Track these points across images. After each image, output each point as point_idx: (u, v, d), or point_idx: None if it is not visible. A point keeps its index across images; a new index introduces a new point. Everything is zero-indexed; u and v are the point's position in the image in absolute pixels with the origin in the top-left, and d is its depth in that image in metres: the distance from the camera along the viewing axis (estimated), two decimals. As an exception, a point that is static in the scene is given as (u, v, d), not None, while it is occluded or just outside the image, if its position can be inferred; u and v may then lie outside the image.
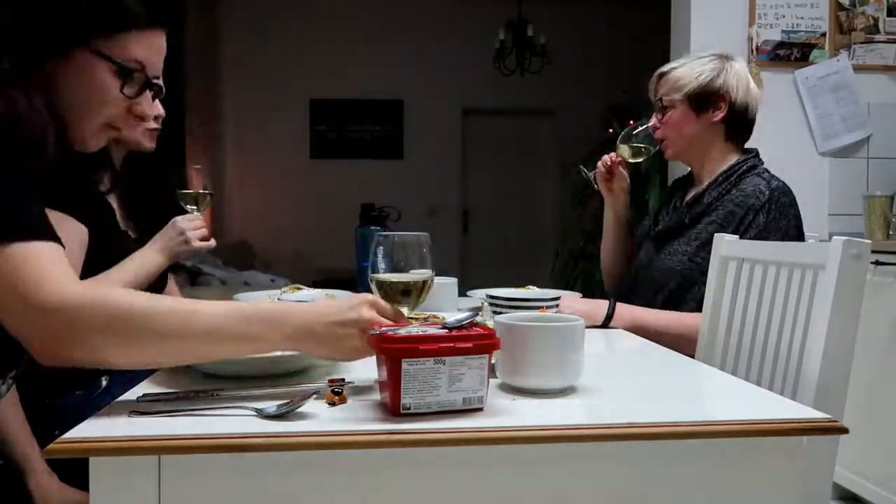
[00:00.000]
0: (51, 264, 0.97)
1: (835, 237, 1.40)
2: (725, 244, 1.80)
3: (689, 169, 2.21)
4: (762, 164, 2.08)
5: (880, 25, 3.54)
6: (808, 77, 3.51)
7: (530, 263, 5.26)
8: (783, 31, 3.49)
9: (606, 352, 1.50)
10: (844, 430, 0.94)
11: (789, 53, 3.50)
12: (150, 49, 1.15)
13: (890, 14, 3.54)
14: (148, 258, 1.70)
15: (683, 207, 2.11)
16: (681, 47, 3.58)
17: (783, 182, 2.00)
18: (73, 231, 1.53)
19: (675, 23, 3.68)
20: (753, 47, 3.48)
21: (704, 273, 1.89)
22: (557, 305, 1.90)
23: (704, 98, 2.03)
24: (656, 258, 2.07)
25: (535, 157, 8.59)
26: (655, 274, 2.04)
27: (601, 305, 1.89)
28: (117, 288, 1.02)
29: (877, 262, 2.77)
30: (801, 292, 1.51)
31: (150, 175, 1.91)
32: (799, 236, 1.95)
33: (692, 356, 1.81)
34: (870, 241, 1.39)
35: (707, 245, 1.94)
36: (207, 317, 1.01)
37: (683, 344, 1.81)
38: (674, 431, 0.92)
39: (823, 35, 3.52)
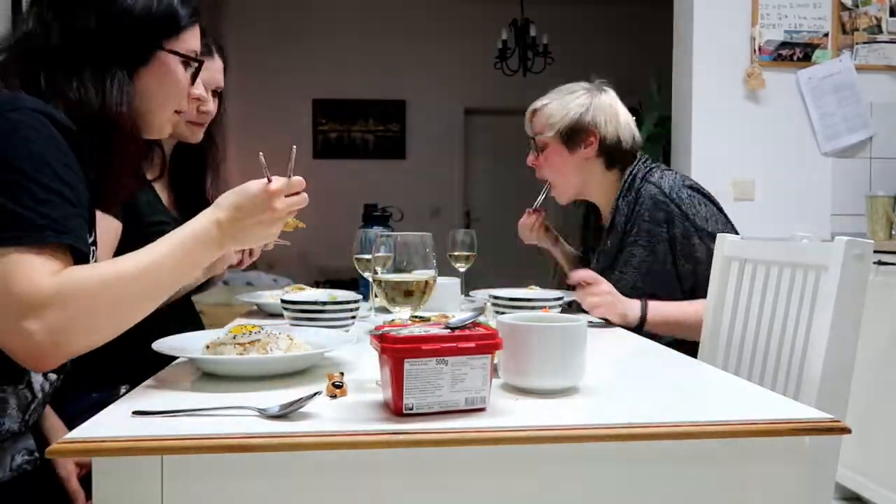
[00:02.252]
0: (17, 267, 1.01)
1: (837, 237, 1.40)
2: (728, 244, 1.80)
3: None
4: (647, 164, 2.07)
5: (883, 25, 3.53)
6: (811, 77, 3.51)
7: (533, 263, 5.24)
8: (786, 31, 3.49)
9: (608, 352, 1.50)
10: (847, 431, 0.94)
11: (792, 53, 3.50)
12: (196, 38, 1.37)
13: (892, 14, 3.53)
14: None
15: (604, 238, 2.11)
16: (684, 48, 3.58)
17: (672, 175, 2.01)
18: (105, 227, 1.57)
19: (677, 23, 3.68)
20: (756, 47, 3.48)
21: (655, 294, 1.90)
22: (560, 306, 1.90)
23: (574, 134, 2.04)
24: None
25: (538, 158, 8.59)
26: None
27: (633, 308, 1.85)
28: (81, 267, 1.08)
29: (879, 263, 2.77)
30: (804, 292, 1.51)
31: (196, 164, 2.02)
32: (719, 209, 1.98)
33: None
34: (872, 242, 1.39)
35: (647, 270, 1.97)
36: (164, 258, 1.14)
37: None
38: (676, 432, 0.92)
39: (826, 35, 3.51)
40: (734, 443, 0.95)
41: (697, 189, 1.99)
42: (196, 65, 1.35)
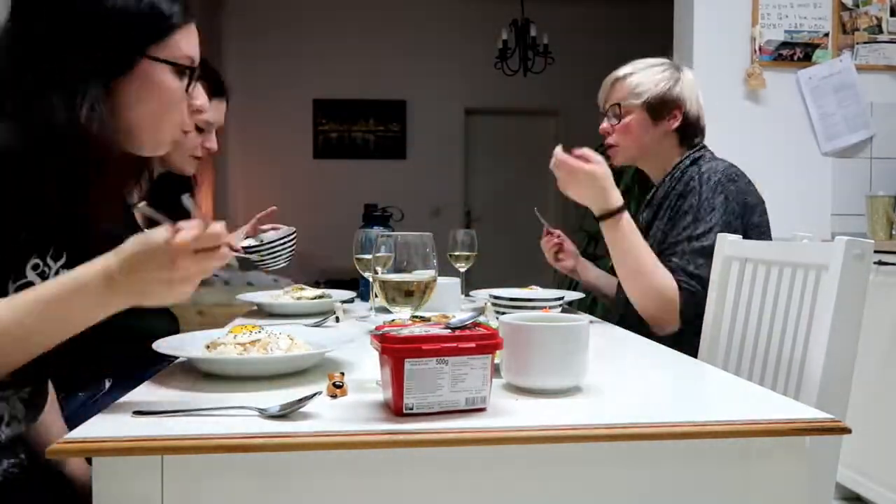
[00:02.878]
0: None
1: (838, 237, 1.40)
2: (728, 244, 1.80)
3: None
4: (706, 151, 2.09)
5: (883, 25, 3.53)
6: (811, 77, 3.51)
7: (533, 263, 5.24)
8: (786, 31, 3.49)
9: (608, 351, 1.50)
10: (847, 430, 0.94)
11: (792, 53, 3.50)
12: (191, 42, 1.21)
13: (893, 14, 3.53)
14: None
15: (641, 210, 2.14)
16: (684, 48, 3.58)
17: (719, 162, 2.01)
18: None
19: (678, 23, 3.68)
20: (756, 47, 3.47)
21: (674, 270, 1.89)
22: (561, 306, 1.89)
23: (661, 106, 2.05)
24: None
25: (538, 158, 8.53)
26: None
27: (615, 198, 1.85)
28: None
29: (880, 262, 2.76)
30: (804, 292, 1.51)
31: (179, 189, 1.96)
32: (745, 209, 1.93)
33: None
34: (873, 241, 1.39)
35: (663, 242, 1.95)
36: (28, 313, 0.99)
37: (638, 282, 1.84)
38: (676, 432, 0.92)
39: (826, 35, 3.51)
40: (734, 443, 0.95)
41: (733, 181, 1.94)
42: (193, 71, 1.21)
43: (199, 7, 7.02)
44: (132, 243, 0.99)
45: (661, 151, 2.10)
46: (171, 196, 1.88)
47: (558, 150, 1.88)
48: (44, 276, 1.13)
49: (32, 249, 1.11)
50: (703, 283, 1.85)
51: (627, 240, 1.85)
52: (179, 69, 1.18)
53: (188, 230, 0.98)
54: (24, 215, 1.06)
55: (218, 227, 0.99)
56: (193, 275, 1.00)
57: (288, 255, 2.07)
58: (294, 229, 2.13)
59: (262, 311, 2.01)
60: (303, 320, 1.76)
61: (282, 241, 2.07)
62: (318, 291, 2.07)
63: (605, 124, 2.13)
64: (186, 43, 1.19)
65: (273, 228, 2.16)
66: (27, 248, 1.11)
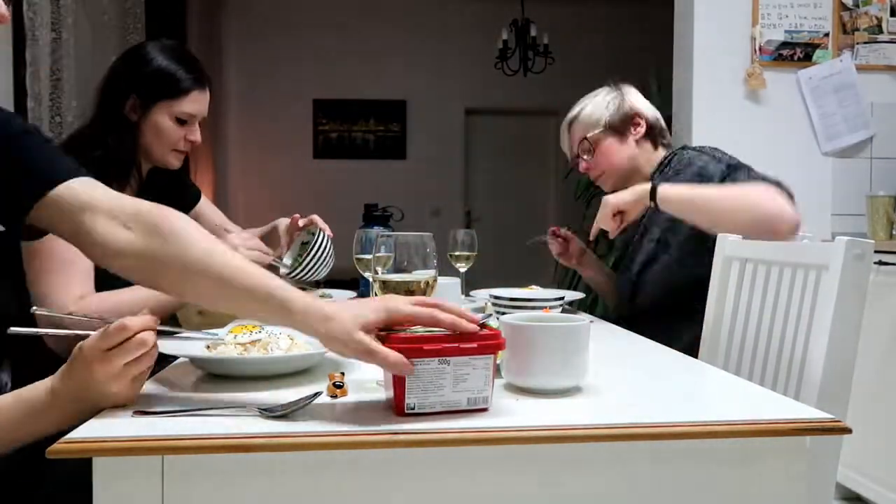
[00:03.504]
0: None
1: (838, 237, 1.40)
2: (728, 244, 1.80)
3: None
4: (683, 149, 2.17)
5: (883, 25, 3.53)
6: (812, 77, 3.50)
7: (533, 263, 5.25)
8: (786, 31, 3.49)
9: (609, 351, 1.50)
10: (847, 431, 0.94)
11: (792, 53, 3.50)
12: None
13: (893, 14, 3.53)
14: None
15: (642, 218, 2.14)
16: (684, 48, 3.58)
17: (704, 147, 2.11)
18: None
19: (678, 23, 3.67)
20: (756, 47, 3.47)
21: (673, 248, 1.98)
22: (562, 306, 1.90)
23: (621, 122, 2.16)
24: (644, 270, 2.11)
25: (538, 158, 8.59)
26: (649, 278, 2.06)
27: (644, 188, 1.93)
28: None
29: (880, 263, 2.76)
30: (804, 292, 1.51)
31: (172, 187, 2.00)
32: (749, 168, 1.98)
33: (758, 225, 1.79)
34: (873, 242, 1.39)
35: (671, 226, 2.01)
36: None
37: (741, 212, 1.83)
38: (677, 432, 0.92)
39: (826, 35, 3.51)
40: (734, 443, 0.95)
41: (714, 150, 2.07)
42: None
43: (200, 7, 7.03)
44: (65, 365, 1.01)
45: (642, 161, 2.18)
46: (163, 191, 1.90)
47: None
48: None
49: None
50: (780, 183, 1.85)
51: (687, 198, 1.88)
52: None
53: (97, 333, 0.99)
54: None
55: (126, 320, 0.98)
56: (118, 374, 0.98)
57: (327, 264, 1.97)
58: (322, 232, 1.97)
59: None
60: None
61: (318, 255, 1.95)
62: (319, 291, 2.07)
63: (582, 164, 2.23)
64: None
65: (301, 228, 2.05)
66: None
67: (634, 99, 2.20)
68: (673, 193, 1.88)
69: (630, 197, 1.94)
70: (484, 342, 0.97)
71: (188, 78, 1.84)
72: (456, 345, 0.95)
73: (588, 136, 2.17)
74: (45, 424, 1.02)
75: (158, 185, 1.94)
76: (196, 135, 1.90)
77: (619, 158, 2.16)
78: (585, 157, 2.20)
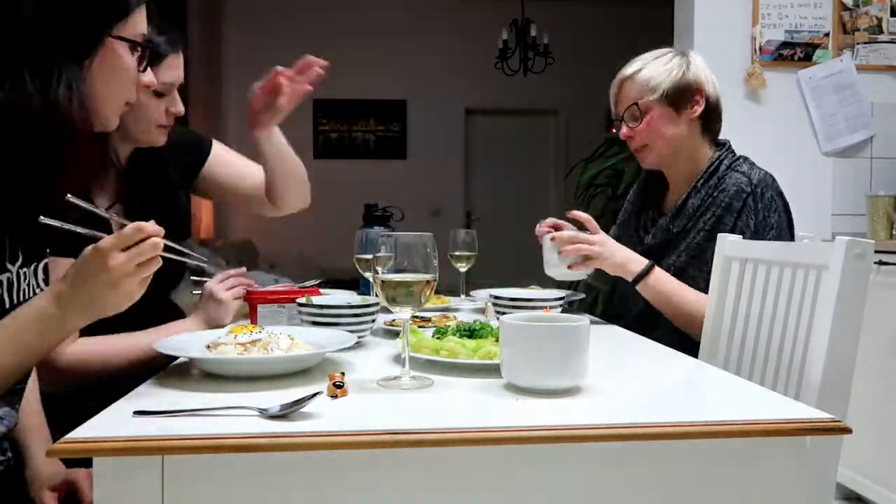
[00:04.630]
0: None
1: (838, 237, 1.40)
2: (728, 244, 1.80)
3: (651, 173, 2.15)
4: (735, 155, 2.03)
5: (884, 25, 3.53)
6: (812, 77, 3.50)
7: (533, 263, 5.24)
8: (786, 31, 3.49)
9: (608, 352, 1.50)
10: (848, 430, 0.94)
11: (793, 53, 3.50)
12: (144, 21, 1.25)
13: (893, 14, 3.53)
14: (185, 330, 1.61)
15: (667, 218, 2.00)
16: (684, 48, 3.58)
17: (763, 172, 1.96)
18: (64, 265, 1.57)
19: (678, 23, 3.67)
20: (757, 47, 3.47)
21: (698, 280, 1.87)
22: (562, 306, 1.89)
23: (681, 94, 1.94)
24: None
25: (538, 157, 8.59)
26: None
27: (638, 263, 1.84)
28: None
29: (880, 262, 2.76)
30: (805, 292, 1.50)
31: (158, 174, 1.81)
32: (790, 223, 1.92)
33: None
34: (873, 241, 1.39)
35: (698, 255, 1.90)
36: None
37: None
38: (677, 432, 0.92)
39: (827, 35, 3.51)
40: (734, 443, 0.95)
41: (780, 194, 1.93)
42: (142, 50, 1.23)
43: (200, 7, 7.03)
44: (73, 262, 1.07)
45: (689, 148, 1.99)
46: (150, 172, 1.76)
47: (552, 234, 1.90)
48: (7, 283, 1.15)
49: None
50: None
51: (666, 291, 1.84)
52: (135, 46, 1.21)
53: (110, 236, 1.05)
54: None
55: (141, 223, 1.05)
56: (131, 272, 1.05)
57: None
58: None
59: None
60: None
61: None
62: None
63: (624, 129, 2.00)
64: (141, 21, 1.23)
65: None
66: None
67: (701, 72, 1.96)
68: (653, 292, 1.84)
69: (612, 268, 1.85)
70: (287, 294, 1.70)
71: (162, 43, 1.62)
72: (288, 296, 1.68)
73: (640, 101, 1.94)
74: (50, 337, 1.08)
75: (146, 167, 1.77)
76: (178, 105, 1.71)
77: (668, 135, 1.96)
78: (631, 123, 1.98)
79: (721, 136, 2.08)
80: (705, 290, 1.83)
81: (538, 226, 2.02)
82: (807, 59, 3.51)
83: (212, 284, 1.68)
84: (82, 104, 1.12)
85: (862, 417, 2.66)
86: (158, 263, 1.08)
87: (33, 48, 1.10)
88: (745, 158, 2.03)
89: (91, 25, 1.15)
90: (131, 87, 1.24)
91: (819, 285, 1.46)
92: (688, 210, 1.95)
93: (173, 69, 1.66)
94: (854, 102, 3.51)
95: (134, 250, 1.05)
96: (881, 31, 3.53)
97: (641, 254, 1.91)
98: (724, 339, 1.77)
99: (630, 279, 1.84)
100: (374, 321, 1.56)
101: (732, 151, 2.04)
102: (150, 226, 1.06)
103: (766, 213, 1.86)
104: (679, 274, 1.90)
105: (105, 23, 1.16)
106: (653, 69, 1.95)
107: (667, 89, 1.93)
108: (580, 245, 1.84)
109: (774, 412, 1.01)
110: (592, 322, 1.73)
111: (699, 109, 1.96)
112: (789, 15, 3.49)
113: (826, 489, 1.34)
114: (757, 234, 1.84)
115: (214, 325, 1.64)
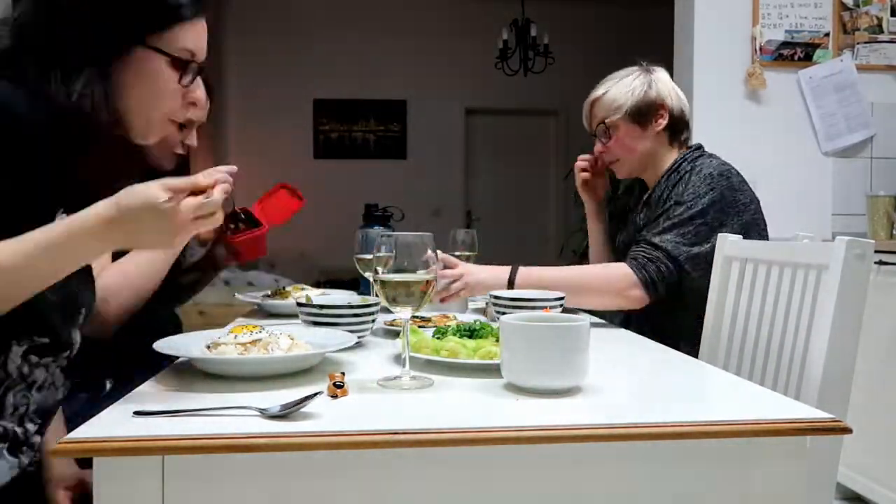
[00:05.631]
0: None
1: (838, 237, 1.40)
2: (728, 244, 1.80)
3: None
4: (704, 152, 2.10)
5: (884, 25, 3.53)
6: (812, 77, 3.50)
7: (534, 263, 5.23)
8: (787, 31, 3.49)
9: (608, 352, 1.50)
10: (848, 430, 0.94)
11: (793, 53, 3.50)
12: (197, 37, 1.24)
13: (894, 14, 3.53)
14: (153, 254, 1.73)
15: (634, 215, 2.15)
16: (684, 48, 3.58)
17: (718, 160, 2.03)
18: None
19: (678, 23, 3.67)
20: (757, 47, 3.47)
21: None
22: (562, 306, 1.89)
23: (644, 111, 2.07)
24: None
25: (539, 157, 8.59)
26: None
27: (503, 271, 1.96)
28: None
29: (880, 262, 2.76)
30: (805, 292, 1.51)
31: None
32: (736, 205, 1.94)
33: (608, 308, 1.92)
34: (873, 241, 1.39)
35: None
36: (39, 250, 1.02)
37: (589, 295, 1.91)
38: (676, 432, 0.92)
39: (827, 35, 3.51)
40: (734, 443, 0.95)
41: (724, 176, 1.97)
42: (184, 65, 1.22)
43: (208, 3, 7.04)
44: (133, 198, 1.02)
45: (658, 156, 2.10)
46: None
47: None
48: None
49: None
50: (670, 254, 1.88)
51: (545, 279, 1.94)
52: (176, 61, 1.20)
53: (190, 200, 1.03)
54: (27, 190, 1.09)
55: (217, 195, 1.06)
56: (189, 231, 1.05)
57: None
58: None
59: (263, 311, 2.01)
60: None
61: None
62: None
63: (598, 146, 2.17)
64: (189, 37, 1.22)
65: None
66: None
67: (662, 87, 2.10)
68: (534, 276, 1.94)
69: (484, 289, 1.93)
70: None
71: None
72: None
73: (607, 120, 2.10)
74: (85, 252, 1.06)
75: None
76: (193, 140, 1.91)
77: (636, 148, 2.10)
78: (603, 139, 2.14)
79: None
80: (634, 251, 1.94)
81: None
82: (807, 59, 3.51)
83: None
84: (96, 104, 1.13)
85: (862, 417, 2.66)
86: (217, 222, 1.08)
87: (62, 49, 1.12)
88: (711, 154, 2.11)
89: (120, 32, 1.15)
90: (169, 100, 1.23)
91: (819, 285, 1.46)
92: (651, 203, 2.07)
93: (200, 109, 1.82)
94: (854, 102, 3.51)
95: (202, 198, 1.05)
96: (881, 31, 3.53)
97: (618, 252, 2.07)
98: (724, 339, 1.77)
99: (507, 288, 1.94)
100: (374, 321, 1.56)
101: (699, 150, 2.13)
102: (222, 175, 1.08)
103: (699, 184, 1.95)
104: None
105: (137, 32, 1.16)
106: (617, 90, 2.11)
107: (629, 108, 2.08)
108: (443, 285, 1.91)
109: (774, 412, 1.01)
110: (592, 322, 1.73)
111: (664, 122, 2.09)
112: (789, 15, 3.49)
113: (826, 489, 1.34)
114: (683, 198, 1.94)
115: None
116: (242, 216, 2.07)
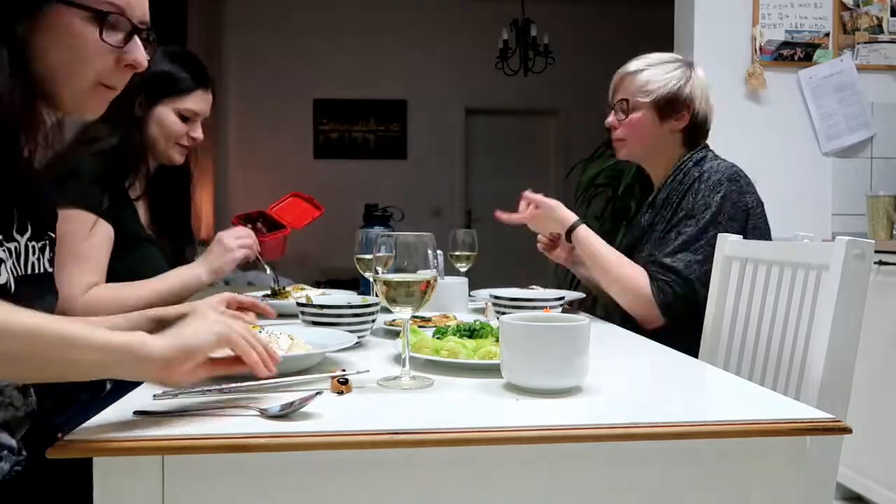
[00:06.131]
0: None
1: (838, 237, 1.40)
2: (728, 244, 1.80)
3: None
4: (710, 153, 2.06)
5: (884, 25, 3.53)
6: (812, 77, 3.50)
7: (534, 263, 5.23)
8: (787, 31, 3.49)
9: (608, 351, 1.50)
10: (848, 430, 0.94)
11: (793, 53, 3.50)
12: (201, 102, 1.17)
13: (894, 14, 3.53)
14: (192, 274, 1.89)
15: (642, 214, 2.14)
16: (684, 48, 3.58)
17: (720, 162, 1.99)
18: (100, 230, 1.75)
19: (678, 23, 3.67)
20: (757, 47, 3.47)
21: None
22: (562, 306, 1.89)
23: (670, 106, 2.02)
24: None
25: (539, 157, 8.59)
26: None
27: (568, 219, 2.03)
28: None
29: (880, 262, 2.76)
30: (805, 292, 1.51)
31: (178, 184, 2.07)
32: (745, 210, 1.92)
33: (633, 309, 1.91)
34: (873, 241, 1.39)
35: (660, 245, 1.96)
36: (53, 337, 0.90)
37: (614, 288, 1.93)
38: (676, 432, 0.92)
39: (827, 35, 3.51)
40: (735, 443, 0.95)
41: (733, 181, 1.93)
42: (116, 20, 1.07)
43: (200, 7, 7.03)
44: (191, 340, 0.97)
45: (665, 151, 2.07)
46: (169, 188, 2.01)
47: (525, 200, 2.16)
48: (15, 252, 1.12)
49: None
50: (681, 275, 1.84)
51: (591, 245, 1.96)
52: (95, 14, 1.05)
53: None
54: None
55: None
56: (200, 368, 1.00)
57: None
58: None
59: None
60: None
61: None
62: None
63: (611, 118, 2.11)
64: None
65: None
66: None
67: (697, 89, 2.04)
68: (584, 240, 1.98)
69: (557, 225, 2.07)
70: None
71: (190, 78, 1.92)
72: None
73: (630, 99, 2.04)
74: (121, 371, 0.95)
75: (163, 181, 2.02)
76: (198, 132, 1.96)
77: (646, 137, 2.05)
78: (619, 115, 2.08)
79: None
80: (651, 270, 1.91)
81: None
82: (807, 58, 3.51)
83: (224, 233, 1.96)
84: (20, 77, 1.01)
85: (862, 417, 2.66)
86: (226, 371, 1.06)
87: None
88: (714, 155, 2.07)
89: None
90: (95, 62, 1.07)
91: (819, 285, 1.46)
92: (656, 204, 2.05)
93: (201, 102, 1.93)
94: (854, 102, 3.51)
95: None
96: (881, 31, 3.53)
97: (623, 251, 2.03)
98: (724, 339, 1.77)
99: (565, 231, 2.02)
100: (374, 321, 1.56)
101: (705, 149, 2.08)
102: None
103: (707, 193, 1.91)
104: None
105: None
106: (654, 73, 2.04)
107: (658, 97, 2.02)
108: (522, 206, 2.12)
109: (774, 412, 1.01)
110: (592, 322, 1.73)
111: (683, 124, 2.04)
112: (789, 15, 3.49)
113: (826, 489, 1.34)
114: (693, 210, 1.91)
115: (216, 270, 1.91)
116: (259, 219, 2.18)
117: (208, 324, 1.01)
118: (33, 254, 1.18)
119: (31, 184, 1.14)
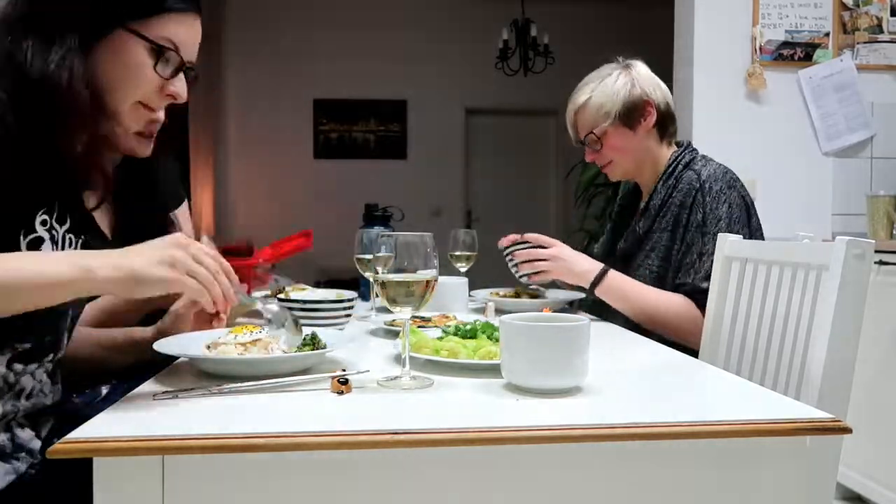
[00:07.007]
0: None
1: (838, 237, 1.40)
2: (728, 244, 1.80)
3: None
4: (696, 153, 2.09)
5: (884, 25, 3.53)
6: (812, 77, 3.50)
7: (533, 263, 5.24)
8: (787, 31, 3.49)
9: (608, 351, 1.50)
10: (848, 430, 0.94)
11: (793, 53, 3.50)
12: (184, 32, 1.24)
13: (893, 14, 3.53)
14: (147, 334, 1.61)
15: (635, 221, 2.11)
16: (684, 48, 3.58)
17: (716, 166, 2.00)
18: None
19: (678, 23, 3.67)
20: (757, 47, 3.47)
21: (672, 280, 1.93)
22: (563, 307, 1.89)
23: (632, 112, 2.03)
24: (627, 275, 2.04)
25: (539, 158, 8.59)
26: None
27: (592, 269, 1.94)
28: None
29: (880, 262, 2.76)
30: (805, 292, 1.50)
31: (145, 182, 1.65)
32: (749, 215, 1.95)
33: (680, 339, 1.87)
34: (873, 241, 1.39)
35: (667, 256, 1.97)
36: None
37: (660, 327, 1.89)
38: (677, 431, 0.92)
39: (827, 35, 3.51)
40: (735, 443, 0.95)
41: (733, 186, 1.96)
42: (171, 56, 1.21)
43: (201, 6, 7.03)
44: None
45: (651, 152, 2.08)
46: (138, 185, 1.62)
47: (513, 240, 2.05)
48: (52, 235, 1.16)
49: (39, 204, 1.15)
50: None
51: (622, 292, 1.93)
52: (154, 48, 1.19)
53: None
54: (22, 163, 1.09)
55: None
56: (188, 267, 1.07)
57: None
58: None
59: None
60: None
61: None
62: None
63: (589, 155, 2.13)
64: (173, 28, 1.21)
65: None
66: (33, 201, 1.14)
67: (645, 83, 2.05)
68: (610, 295, 1.93)
69: (569, 278, 1.97)
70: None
71: None
72: None
73: (596, 129, 2.05)
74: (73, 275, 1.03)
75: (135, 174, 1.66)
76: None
77: (630, 150, 2.07)
78: (594, 147, 2.09)
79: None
80: (695, 299, 1.89)
81: (501, 240, 2.13)
82: (807, 58, 3.51)
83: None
84: (73, 75, 1.12)
85: (862, 417, 2.66)
86: (202, 295, 1.08)
87: (41, 18, 1.13)
88: (703, 156, 2.09)
89: (102, 13, 1.16)
90: (144, 86, 1.21)
91: (819, 285, 1.46)
92: (650, 211, 2.04)
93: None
94: (854, 102, 3.51)
95: (211, 256, 1.10)
96: (881, 31, 3.54)
97: (616, 259, 2.02)
98: (724, 339, 1.77)
99: (587, 286, 1.93)
100: (350, 313, 1.68)
101: (691, 150, 2.11)
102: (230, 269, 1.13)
103: (715, 205, 1.92)
104: (660, 281, 1.97)
105: (118, 14, 1.16)
106: (601, 94, 2.05)
107: (618, 112, 2.03)
108: (534, 263, 1.97)
109: (774, 412, 1.01)
110: (592, 322, 1.73)
111: (652, 120, 2.05)
112: (789, 15, 3.49)
113: (826, 489, 1.34)
114: (705, 225, 1.91)
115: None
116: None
117: (152, 249, 1.06)
118: (70, 245, 1.21)
119: (71, 177, 1.19)
